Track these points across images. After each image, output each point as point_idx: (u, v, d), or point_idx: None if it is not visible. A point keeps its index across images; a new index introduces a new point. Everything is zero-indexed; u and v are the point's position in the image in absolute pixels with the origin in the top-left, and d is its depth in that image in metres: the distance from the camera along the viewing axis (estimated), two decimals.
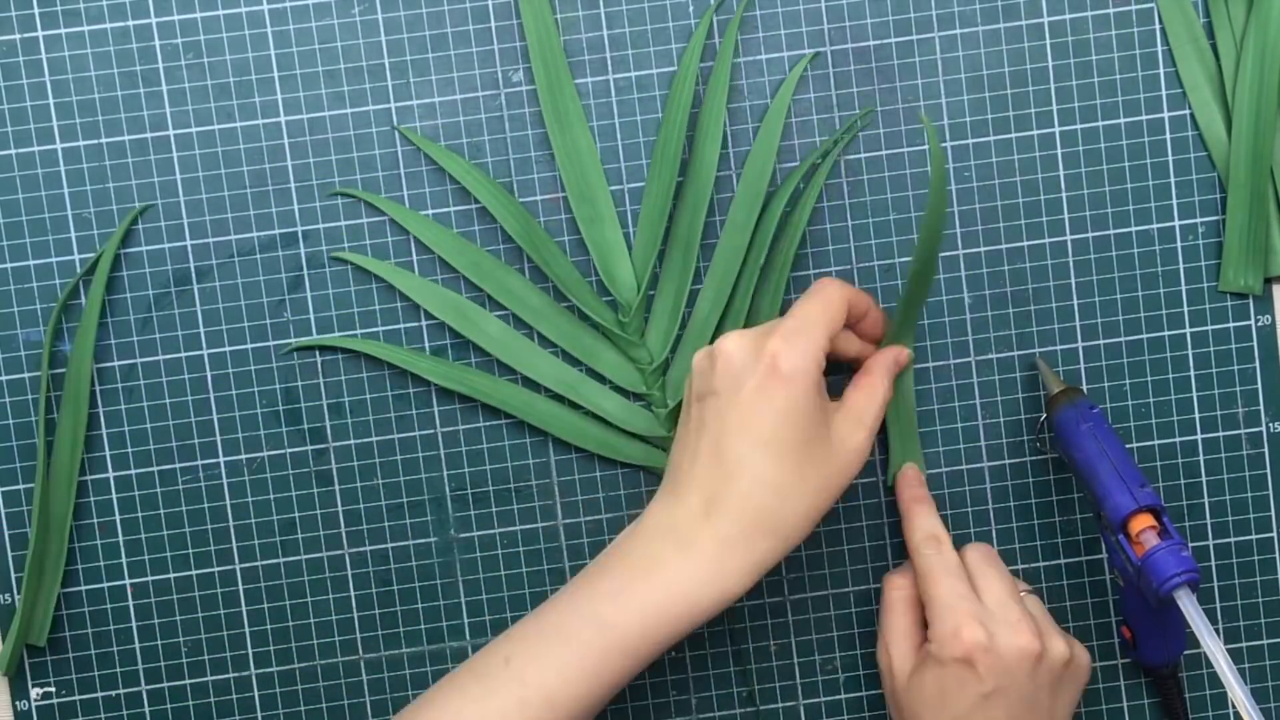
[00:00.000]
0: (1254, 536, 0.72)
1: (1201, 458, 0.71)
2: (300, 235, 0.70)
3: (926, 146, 0.70)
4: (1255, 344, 0.71)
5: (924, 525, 0.66)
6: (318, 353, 0.70)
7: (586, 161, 0.69)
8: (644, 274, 0.69)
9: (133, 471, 0.70)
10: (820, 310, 0.62)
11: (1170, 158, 0.70)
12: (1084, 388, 0.70)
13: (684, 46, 0.70)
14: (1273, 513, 0.72)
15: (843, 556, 0.72)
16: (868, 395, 0.63)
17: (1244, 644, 0.72)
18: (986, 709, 0.62)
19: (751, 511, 0.60)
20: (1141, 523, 0.63)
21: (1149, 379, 0.71)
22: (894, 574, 0.68)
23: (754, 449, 0.60)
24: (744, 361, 0.61)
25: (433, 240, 0.69)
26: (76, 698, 0.71)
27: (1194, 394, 0.71)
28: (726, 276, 0.69)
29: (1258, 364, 0.71)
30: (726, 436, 0.61)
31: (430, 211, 0.70)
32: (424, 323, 0.70)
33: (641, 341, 0.70)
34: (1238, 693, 0.60)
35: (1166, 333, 0.71)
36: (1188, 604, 0.61)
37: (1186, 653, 0.71)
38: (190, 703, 0.71)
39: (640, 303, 0.69)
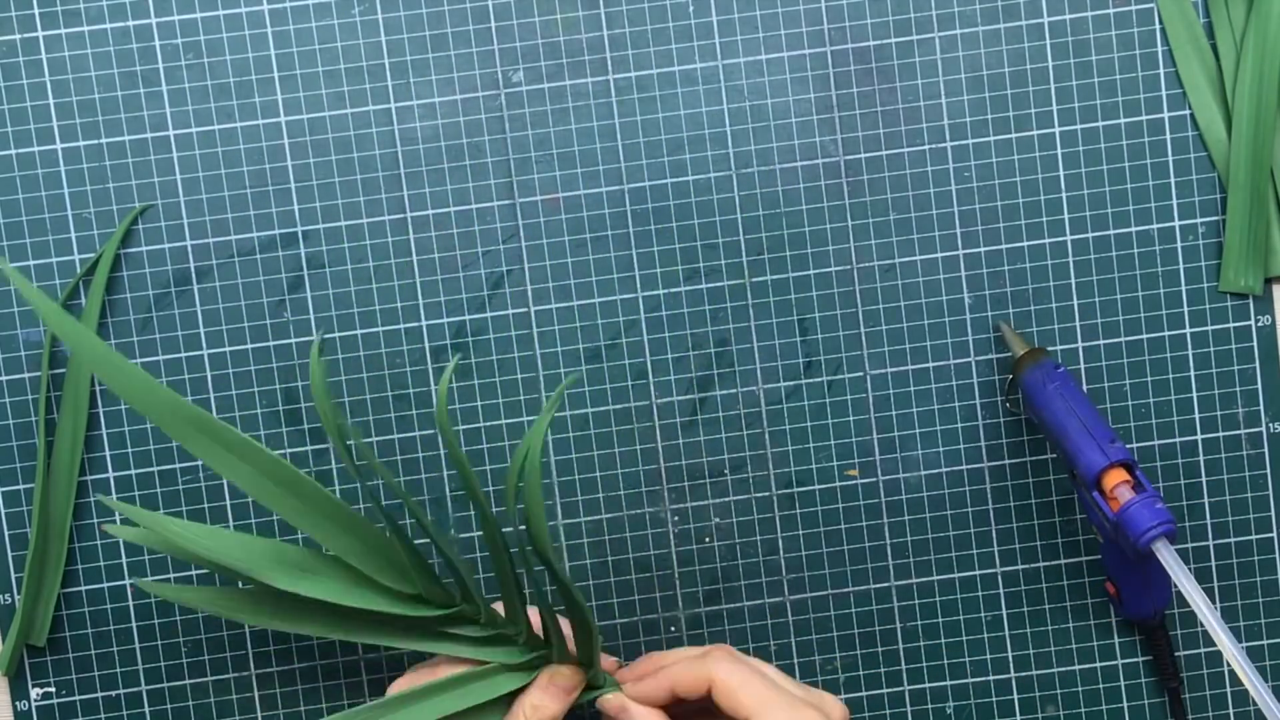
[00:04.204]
0: (1254, 536, 0.72)
1: (1201, 458, 0.71)
2: (300, 235, 0.70)
3: (927, 147, 0.70)
4: (1255, 344, 0.71)
5: (702, 651, 0.63)
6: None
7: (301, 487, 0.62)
8: (413, 561, 0.63)
9: (133, 471, 0.70)
10: None
11: (1170, 158, 0.70)
12: (1081, 376, 0.71)
13: (686, 46, 0.70)
14: (1273, 513, 0.72)
15: (843, 556, 0.72)
16: None
17: (1244, 644, 0.72)
18: None
19: None
20: (1115, 478, 0.63)
21: (1149, 379, 0.71)
22: None
23: None
24: None
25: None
26: (76, 698, 0.71)
27: (1194, 394, 0.71)
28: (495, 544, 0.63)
29: (1258, 364, 0.71)
30: None
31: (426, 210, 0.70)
32: (424, 322, 0.70)
33: (459, 603, 0.64)
34: (1221, 636, 0.60)
35: (1166, 333, 0.71)
36: (1166, 555, 0.62)
37: (1174, 609, 0.71)
38: (190, 703, 0.71)
39: (426, 580, 0.64)
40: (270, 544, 0.63)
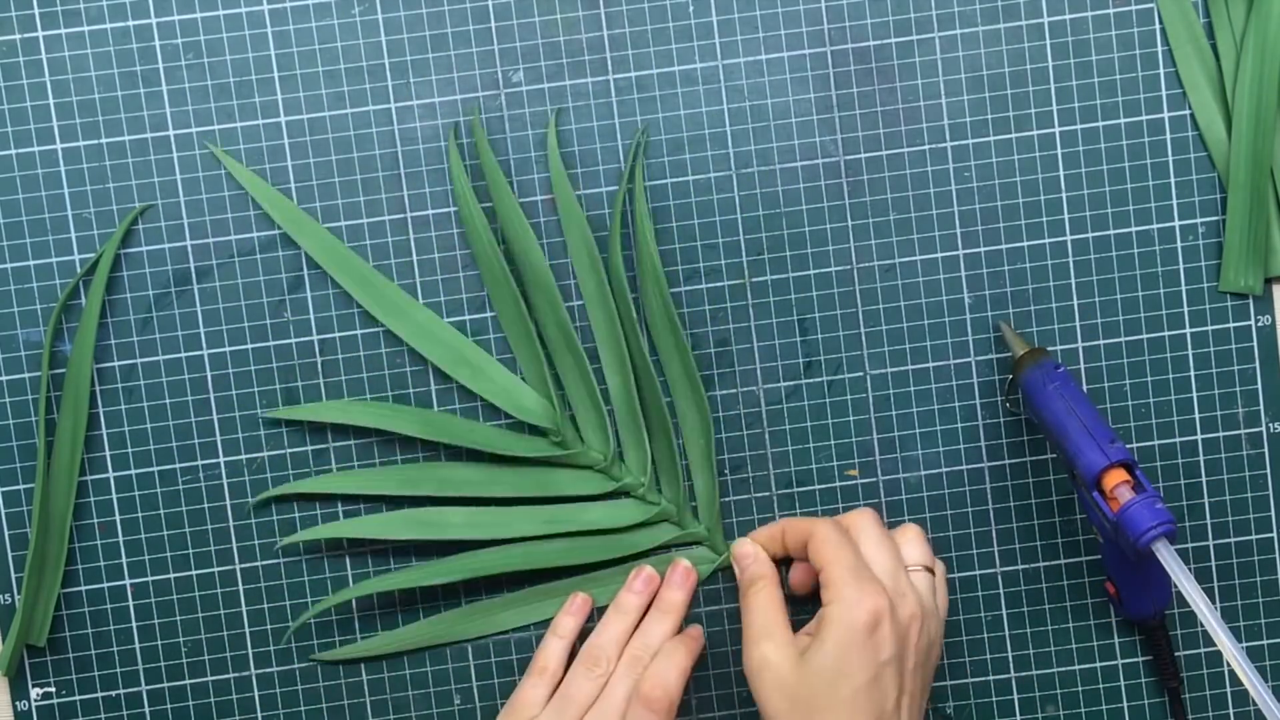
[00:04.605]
0: (1254, 536, 0.72)
1: (1201, 458, 0.71)
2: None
3: (927, 147, 0.70)
4: (1255, 344, 0.71)
5: (810, 519, 0.67)
6: (318, 352, 0.70)
7: (439, 334, 0.69)
8: (547, 392, 0.69)
9: (133, 471, 0.70)
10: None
11: (1170, 158, 0.70)
12: (1081, 376, 0.71)
13: (686, 46, 0.70)
14: (1273, 513, 0.72)
15: None
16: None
17: (1245, 644, 0.72)
18: (882, 679, 0.62)
19: None
20: (1115, 478, 0.63)
21: (1149, 379, 0.71)
22: (754, 572, 0.68)
23: None
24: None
25: (361, 485, 0.70)
26: (76, 698, 0.71)
27: (1194, 394, 0.71)
28: (616, 345, 0.69)
29: (1258, 364, 0.71)
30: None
31: (430, 212, 0.70)
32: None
33: (584, 447, 0.70)
34: (1221, 636, 0.60)
35: (1166, 333, 0.71)
36: (1166, 555, 0.62)
37: (1174, 609, 0.72)
38: (190, 703, 0.71)
39: (560, 418, 0.69)
40: (416, 412, 0.70)
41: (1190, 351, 0.71)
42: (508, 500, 0.70)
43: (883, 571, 0.64)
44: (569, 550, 0.70)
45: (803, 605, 0.69)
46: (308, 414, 0.69)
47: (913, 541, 0.67)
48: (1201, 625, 0.71)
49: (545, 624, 0.70)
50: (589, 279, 0.69)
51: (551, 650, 0.68)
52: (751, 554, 0.69)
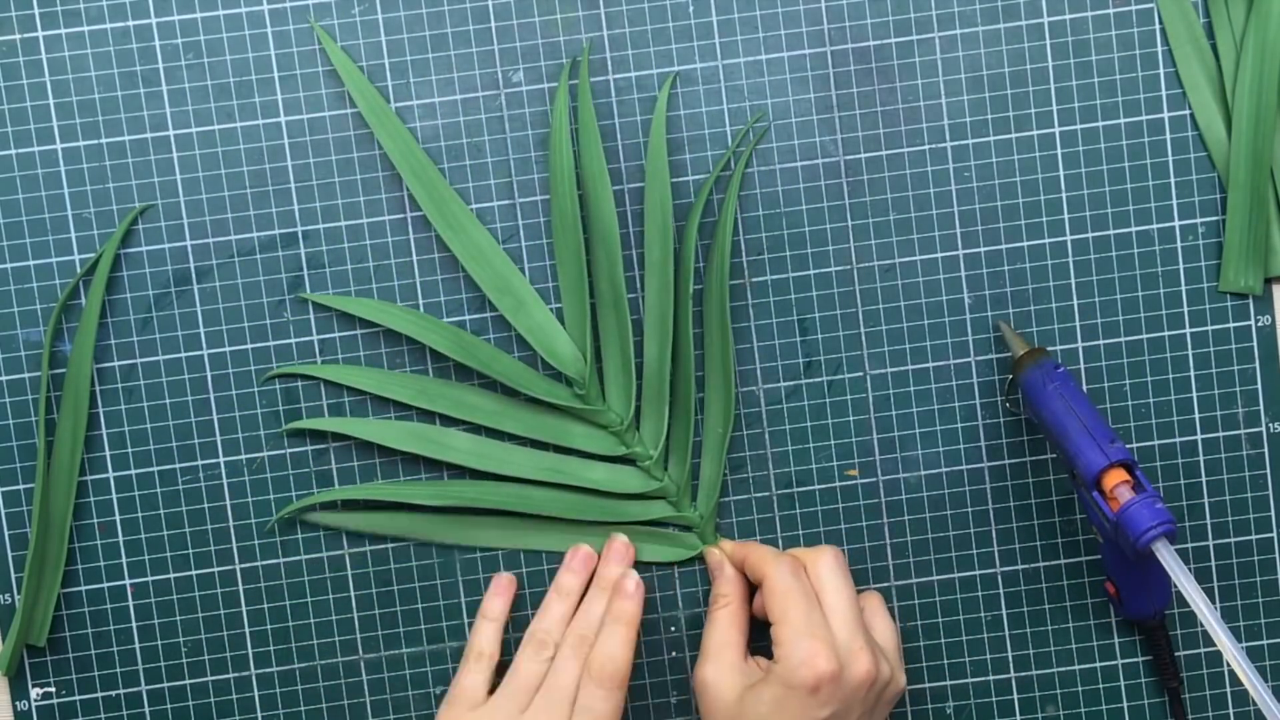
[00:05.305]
0: (1254, 536, 0.72)
1: (1201, 458, 0.71)
2: (300, 235, 0.70)
3: (927, 147, 0.70)
4: (1255, 344, 0.71)
5: (784, 553, 0.67)
6: (318, 354, 0.70)
7: (492, 257, 0.69)
8: (583, 343, 0.69)
9: (133, 471, 0.70)
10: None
11: (1170, 158, 0.70)
12: (1081, 376, 0.71)
13: (686, 46, 0.70)
14: (1273, 513, 0.72)
15: None
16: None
17: (1245, 644, 0.72)
18: None
19: None
20: (1115, 478, 0.63)
21: (1149, 379, 0.71)
22: (719, 589, 0.68)
23: None
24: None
25: (374, 384, 0.70)
26: (76, 698, 0.71)
27: (1194, 394, 0.71)
28: (664, 316, 0.69)
29: (1258, 364, 0.71)
30: None
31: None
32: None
33: (605, 406, 0.70)
34: (1221, 636, 0.60)
35: (1166, 333, 0.71)
36: (1166, 555, 0.62)
37: (1174, 609, 0.72)
38: (190, 703, 0.71)
39: (590, 371, 0.69)
40: (450, 330, 0.70)
41: (1190, 351, 0.71)
42: (515, 439, 0.70)
43: (841, 626, 0.64)
44: (562, 503, 0.70)
45: (768, 628, 0.68)
46: (339, 304, 0.69)
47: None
48: (1201, 625, 0.71)
49: (515, 554, 0.70)
50: (655, 245, 0.69)
51: (485, 634, 0.68)
52: (719, 565, 0.69)
